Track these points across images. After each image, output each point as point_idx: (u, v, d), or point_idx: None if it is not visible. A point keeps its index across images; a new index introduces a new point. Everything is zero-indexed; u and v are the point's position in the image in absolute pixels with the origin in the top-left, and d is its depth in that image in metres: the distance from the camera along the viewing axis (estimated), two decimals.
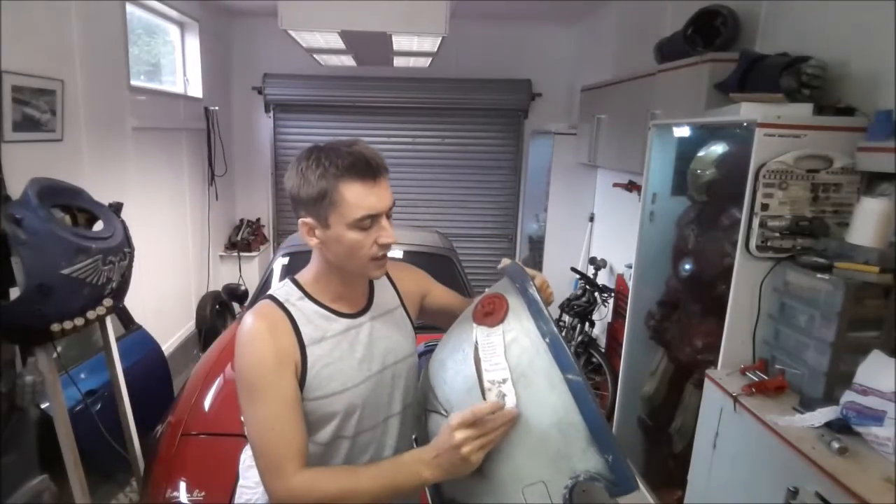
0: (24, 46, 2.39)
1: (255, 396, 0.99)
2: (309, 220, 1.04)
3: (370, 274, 1.07)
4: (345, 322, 1.11)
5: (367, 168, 1.00)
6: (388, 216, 1.05)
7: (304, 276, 1.13)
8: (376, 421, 1.13)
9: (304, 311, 1.07)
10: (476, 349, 0.95)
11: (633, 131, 3.11)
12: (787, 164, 1.78)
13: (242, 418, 1.05)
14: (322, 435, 1.08)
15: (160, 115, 3.91)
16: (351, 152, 1.01)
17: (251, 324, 1.03)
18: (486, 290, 1.08)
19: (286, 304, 1.07)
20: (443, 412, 0.97)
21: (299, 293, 1.10)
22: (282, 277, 2.94)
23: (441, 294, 1.33)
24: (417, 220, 5.27)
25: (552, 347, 0.89)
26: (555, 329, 0.90)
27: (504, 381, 0.90)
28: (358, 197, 1.00)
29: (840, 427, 1.50)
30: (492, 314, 0.97)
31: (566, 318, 3.90)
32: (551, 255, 4.71)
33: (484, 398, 0.91)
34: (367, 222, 1.01)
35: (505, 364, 0.91)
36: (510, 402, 0.89)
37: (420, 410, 1.10)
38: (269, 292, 1.11)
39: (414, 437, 1.20)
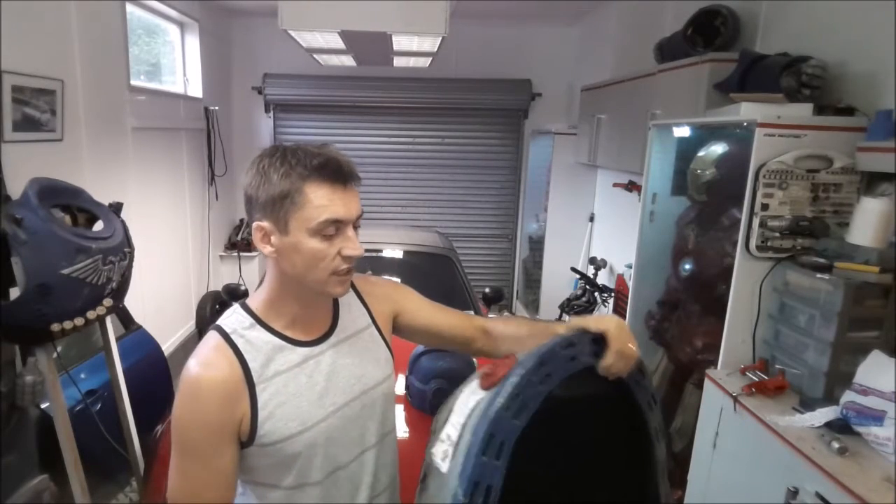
0: (24, 46, 2.39)
1: (186, 455, 0.92)
2: (265, 223, 0.93)
3: (331, 291, 0.95)
4: (302, 352, 0.98)
5: (338, 171, 0.92)
6: (356, 227, 0.95)
7: (256, 299, 1.01)
8: (349, 458, 1.02)
9: (255, 342, 0.95)
10: (455, 401, 0.87)
11: (633, 131, 3.11)
12: (787, 164, 1.78)
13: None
14: (285, 480, 0.98)
15: (160, 115, 3.91)
16: (321, 153, 0.93)
17: (195, 375, 0.91)
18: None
19: (233, 336, 0.95)
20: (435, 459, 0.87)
21: (250, 321, 0.98)
22: None
23: (420, 311, 1.16)
24: (417, 220, 5.28)
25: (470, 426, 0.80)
26: (491, 408, 0.78)
27: (454, 444, 0.82)
28: (324, 200, 0.90)
29: (840, 427, 1.50)
30: (489, 375, 0.85)
31: (566, 318, 3.90)
32: (551, 255, 4.72)
33: (432, 448, 0.85)
34: (331, 230, 0.91)
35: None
36: (444, 467, 0.82)
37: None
38: (218, 321, 0.99)
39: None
